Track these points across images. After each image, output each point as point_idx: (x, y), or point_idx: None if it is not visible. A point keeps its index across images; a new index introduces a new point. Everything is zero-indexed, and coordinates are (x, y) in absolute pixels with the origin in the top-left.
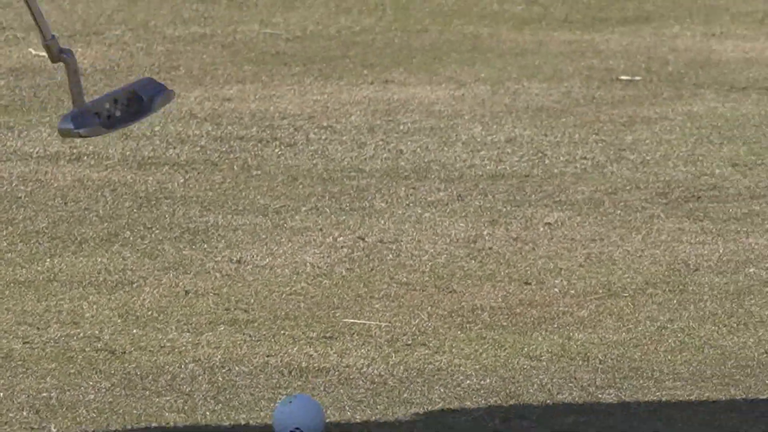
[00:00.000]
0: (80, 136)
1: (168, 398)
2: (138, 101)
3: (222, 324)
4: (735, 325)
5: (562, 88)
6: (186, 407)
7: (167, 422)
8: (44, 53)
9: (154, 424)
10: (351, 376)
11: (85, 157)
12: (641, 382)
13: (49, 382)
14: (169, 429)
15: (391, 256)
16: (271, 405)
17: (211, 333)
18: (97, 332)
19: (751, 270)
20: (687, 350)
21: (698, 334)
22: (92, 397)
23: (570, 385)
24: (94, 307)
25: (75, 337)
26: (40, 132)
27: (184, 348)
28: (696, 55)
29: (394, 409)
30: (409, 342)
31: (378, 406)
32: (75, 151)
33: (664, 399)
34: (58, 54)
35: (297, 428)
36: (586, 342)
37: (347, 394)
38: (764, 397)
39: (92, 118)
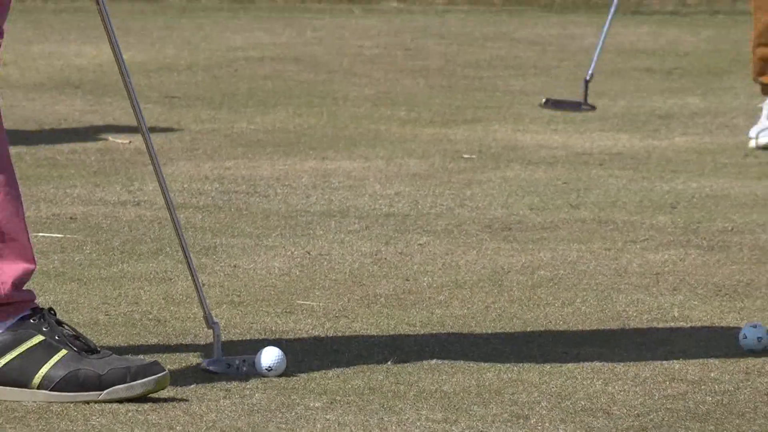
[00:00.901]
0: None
1: (189, 346)
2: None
3: (224, 304)
4: (533, 304)
5: (429, 162)
6: (201, 349)
7: (188, 361)
8: (121, 139)
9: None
10: (301, 336)
11: (142, 203)
12: (469, 338)
13: (120, 339)
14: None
15: (326, 263)
16: (255, 348)
17: (217, 309)
18: (149, 309)
19: (542, 272)
20: (503, 321)
21: (510, 310)
22: (146, 348)
23: (432, 341)
24: (148, 293)
25: (136, 312)
26: (116, 188)
27: (201, 318)
28: (508, 142)
29: (327, 355)
30: (337, 315)
31: (317, 353)
32: (136, 199)
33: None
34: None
35: (269, 367)
36: (442, 315)
37: (300, 347)
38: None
39: (224, 365)
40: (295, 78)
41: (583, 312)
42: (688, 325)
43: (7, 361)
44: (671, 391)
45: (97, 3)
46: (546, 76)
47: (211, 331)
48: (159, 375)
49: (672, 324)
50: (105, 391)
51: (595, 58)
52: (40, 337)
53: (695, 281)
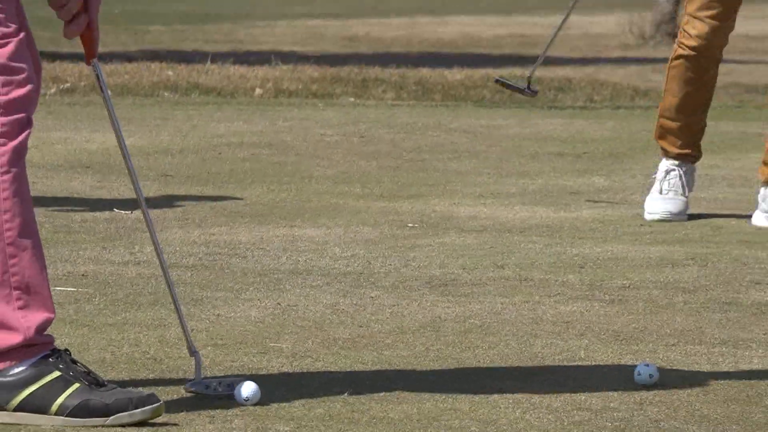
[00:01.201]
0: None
1: (180, 380)
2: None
3: (209, 346)
4: (465, 346)
5: (379, 230)
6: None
7: (179, 393)
8: (124, 211)
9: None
10: (273, 372)
11: (142, 263)
12: (412, 374)
13: (124, 375)
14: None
15: (293, 312)
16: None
17: (203, 350)
18: (147, 350)
19: (472, 320)
20: (440, 360)
21: (445, 352)
22: (145, 382)
23: (381, 377)
24: (146, 336)
25: (137, 352)
26: (120, 250)
27: (190, 357)
28: (445, 214)
29: (294, 388)
30: (303, 356)
31: (286, 386)
32: (137, 259)
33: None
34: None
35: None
36: (390, 356)
37: (271, 381)
38: None
39: (203, 386)
40: (269, 160)
41: (506, 353)
42: (593, 364)
43: (30, 391)
44: (577, 418)
45: (104, 98)
46: (476, 159)
47: (193, 358)
48: (155, 405)
49: (579, 363)
50: (111, 417)
51: (541, 56)
52: (57, 373)
53: (598, 328)
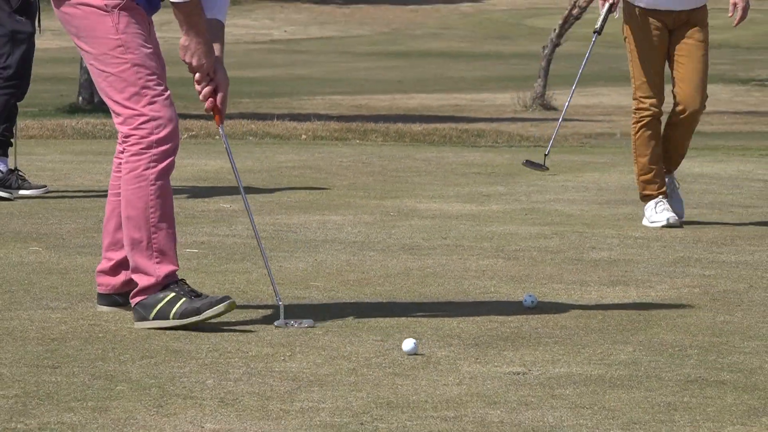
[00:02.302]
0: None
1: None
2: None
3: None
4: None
5: (373, 217)
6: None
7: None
8: (225, 205)
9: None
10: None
11: (237, 235)
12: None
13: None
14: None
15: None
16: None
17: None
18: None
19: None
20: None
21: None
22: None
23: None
24: (239, 279)
25: (232, 288)
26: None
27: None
28: (412, 207)
29: (313, 268)
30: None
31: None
32: (234, 233)
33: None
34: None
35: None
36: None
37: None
38: None
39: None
40: (310, 176)
41: (447, 289)
42: (498, 295)
43: (159, 308)
44: (488, 326)
45: (225, 144)
46: (430, 176)
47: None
48: (229, 302)
49: (490, 295)
50: (202, 314)
51: (552, 139)
52: (173, 294)
53: (501, 274)
